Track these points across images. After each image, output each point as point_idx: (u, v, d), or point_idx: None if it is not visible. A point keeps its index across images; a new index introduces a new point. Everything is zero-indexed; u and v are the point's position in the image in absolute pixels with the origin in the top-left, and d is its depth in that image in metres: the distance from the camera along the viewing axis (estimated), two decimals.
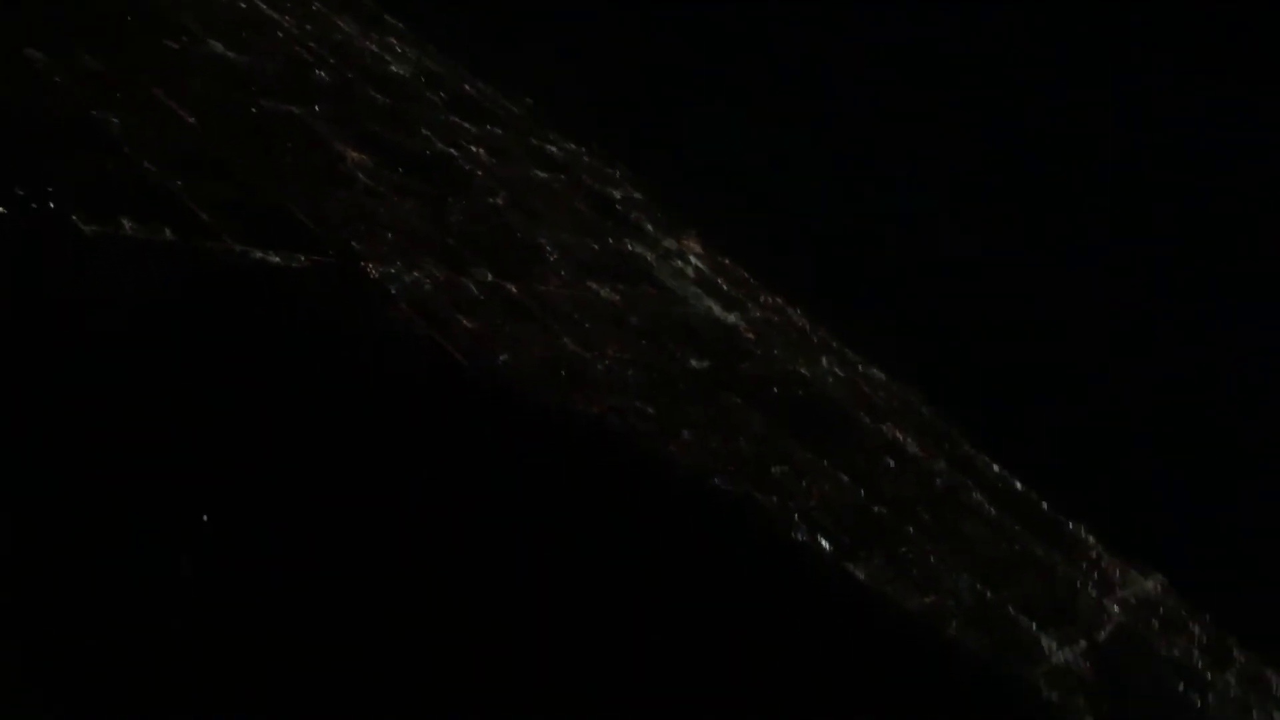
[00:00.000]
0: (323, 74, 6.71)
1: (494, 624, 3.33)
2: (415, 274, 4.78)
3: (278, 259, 4.15)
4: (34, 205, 3.45)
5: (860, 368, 7.67)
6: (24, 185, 3.55)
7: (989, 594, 5.29)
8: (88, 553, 2.57)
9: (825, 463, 5.52)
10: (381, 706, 2.58)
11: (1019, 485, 7.11)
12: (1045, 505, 7.05)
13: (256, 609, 2.71)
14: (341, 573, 2.97)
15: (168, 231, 3.87)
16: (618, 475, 4.42)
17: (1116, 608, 6.24)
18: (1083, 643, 5.37)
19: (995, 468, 7.21)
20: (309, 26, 7.57)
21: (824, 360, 7.30)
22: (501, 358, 4.58)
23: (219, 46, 6.10)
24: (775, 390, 6.16)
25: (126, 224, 3.75)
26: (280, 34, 7.06)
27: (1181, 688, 5.73)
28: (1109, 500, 7.53)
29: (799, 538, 4.55)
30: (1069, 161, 9.60)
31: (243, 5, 7.17)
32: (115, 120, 4.46)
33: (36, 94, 4.31)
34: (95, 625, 2.39)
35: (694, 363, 5.82)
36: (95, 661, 2.31)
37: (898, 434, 6.71)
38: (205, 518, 2.78)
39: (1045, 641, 5.14)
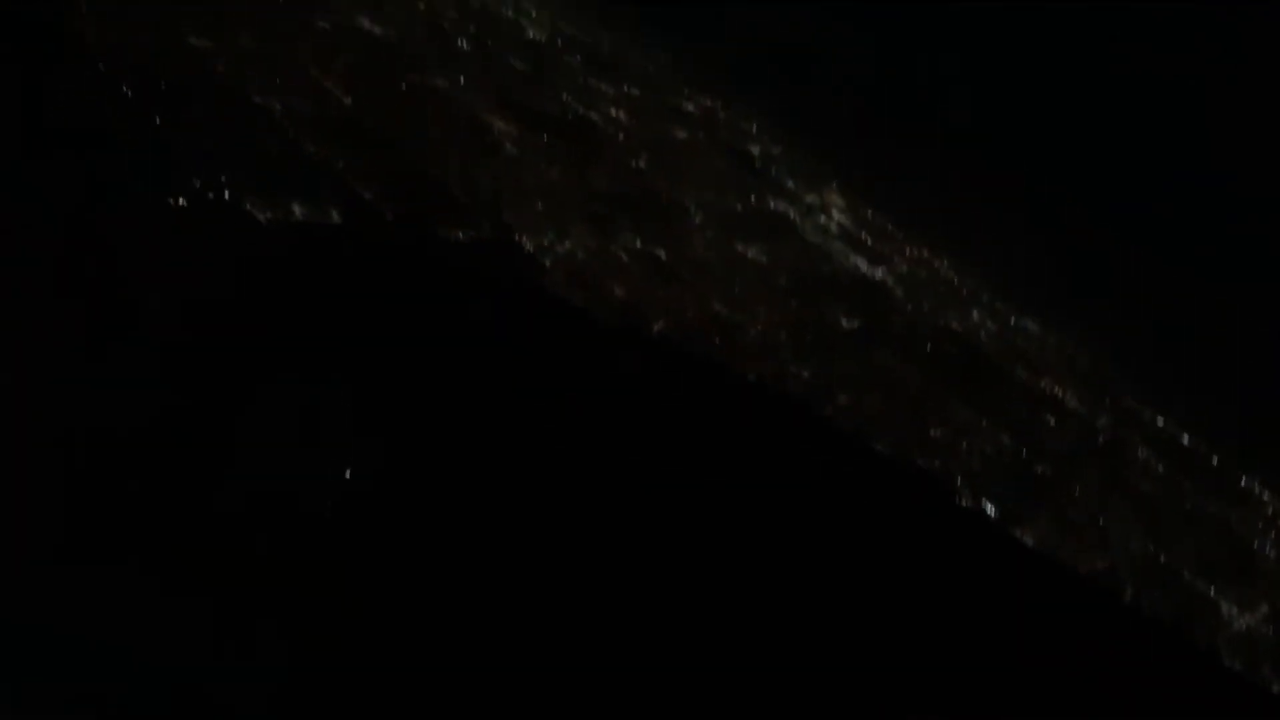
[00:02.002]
0: (464, 43, 6.76)
1: (662, 590, 3.36)
2: (567, 243, 4.80)
3: (440, 235, 4.22)
4: (210, 195, 3.57)
5: (1013, 319, 7.43)
6: (199, 175, 3.67)
7: (1162, 556, 5.10)
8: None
9: (985, 422, 5.38)
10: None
11: (1186, 439, 6.81)
12: (1215, 459, 6.74)
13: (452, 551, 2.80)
14: (516, 532, 3.04)
15: (334, 214, 3.96)
16: (778, 441, 4.38)
17: None
18: (1265, 606, 5.13)
19: (1160, 420, 6.91)
20: None
21: (975, 313, 7.09)
22: (656, 326, 4.57)
23: (365, 21, 6.19)
24: (928, 347, 6.01)
25: (297, 209, 3.86)
26: (421, 5, 7.13)
27: None
28: None
29: (964, 503, 4.45)
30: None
31: None
32: (276, 104, 4.58)
33: (203, 81, 4.45)
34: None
35: (845, 321, 5.72)
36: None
37: (1056, 388, 6.49)
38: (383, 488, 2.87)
39: (1225, 606, 4.93)
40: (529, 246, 4.46)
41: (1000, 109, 9.55)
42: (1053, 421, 5.83)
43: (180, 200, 3.14)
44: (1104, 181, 9.28)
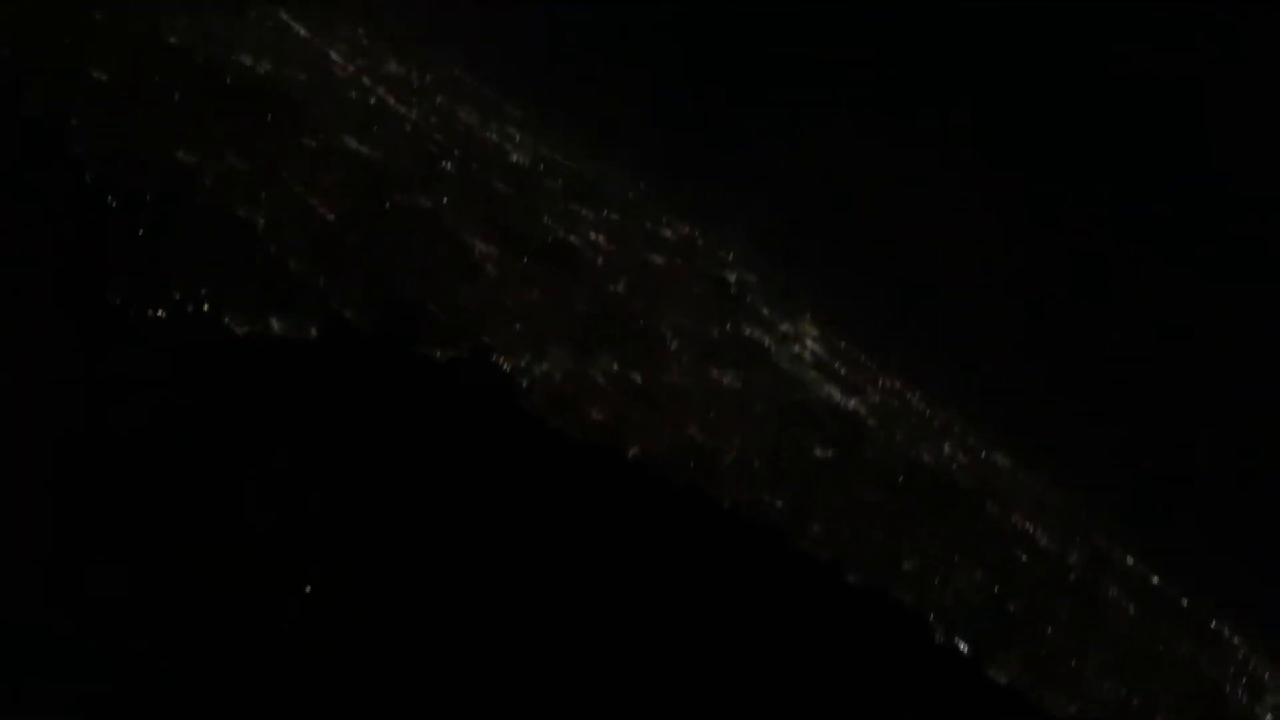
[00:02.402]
0: (448, 165, 6.88)
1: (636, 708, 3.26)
2: (545, 365, 4.81)
3: (418, 354, 4.21)
4: (189, 309, 3.56)
5: (984, 453, 7.47)
6: (179, 287, 3.67)
7: (1135, 699, 5.03)
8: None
9: (957, 557, 5.35)
10: None
11: (1155, 579, 6.80)
12: (1185, 601, 6.72)
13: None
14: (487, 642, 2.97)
15: (313, 330, 3.96)
16: (751, 569, 4.33)
17: (1270, 716, 5.88)
18: None
19: (1129, 560, 6.91)
20: (434, 119, 7.79)
21: (947, 446, 7.13)
22: (632, 451, 4.55)
23: (352, 142, 6.31)
24: (901, 478, 6.02)
25: (275, 323, 3.85)
26: (408, 127, 7.28)
27: None
28: (1254, 594, 7.14)
29: (938, 639, 4.39)
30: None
31: (372, 100, 7.41)
32: (261, 219, 4.61)
33: (189, 194, 4.48)
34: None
35: (819, 451, 5.72)
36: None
37: (1028, 524, 6.49)
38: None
39: None
40: (507, 367, 4.46)
41: (972, 251, 9.80)
42: (1024, 558, 5.82)
43: (159, 312, 3.13)
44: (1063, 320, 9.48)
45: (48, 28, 5.36)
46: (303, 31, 7.97)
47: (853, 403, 6.94)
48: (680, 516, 4.44)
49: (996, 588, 5.22)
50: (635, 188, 9.27)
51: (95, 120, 4.56)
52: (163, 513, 2.82)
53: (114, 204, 3.89)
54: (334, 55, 7.84)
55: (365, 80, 7.76)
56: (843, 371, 7.45)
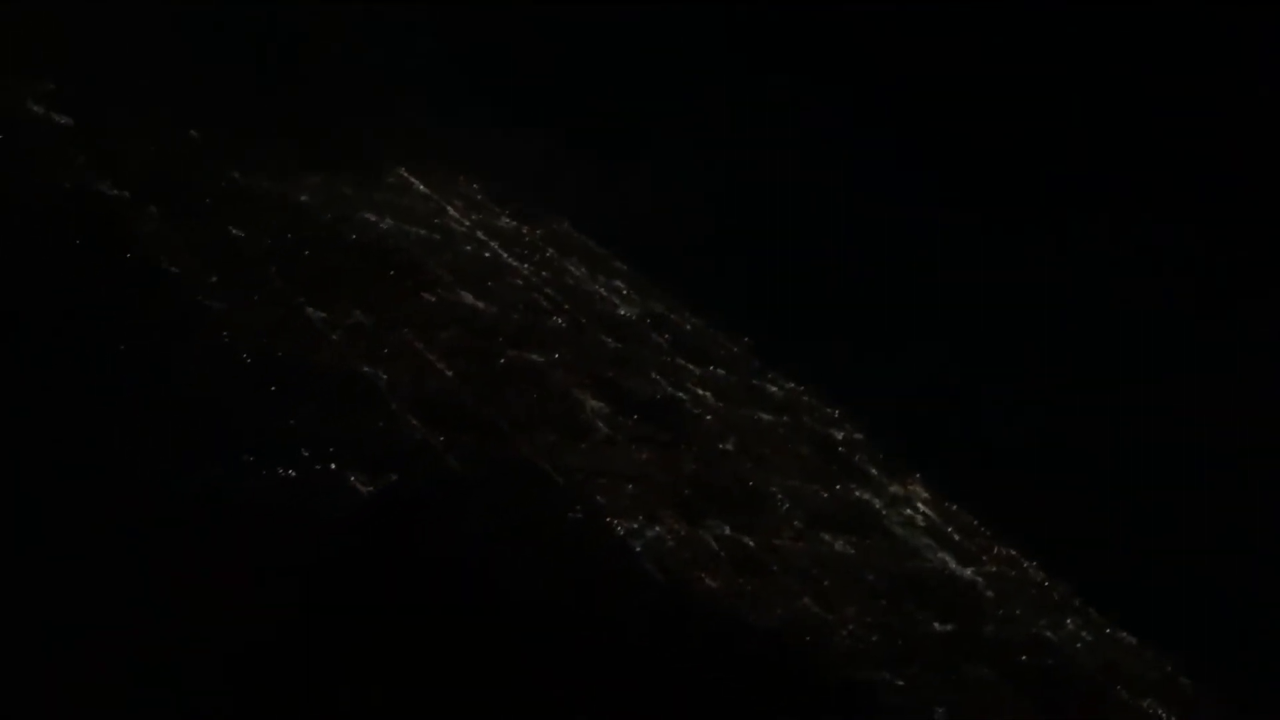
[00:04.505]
0: (559, 320, 6.96)
1: None
2: (656, 529, 4.72)
3: (530, 515, 4.16)
4: (317, 466, 3.58)
5: (1109, 630, 7.07)
6: (307, 445, 3.69)
7: None
8: None
9: None
10: None
11: None
12: None
13: None
14: None
15: (431, 489, 3.94)
16: None
17: None
18: None
19: None
20: (545, 273, 7.94)
21: (1069, 622, 6.76)
22: (747, 620, 4.39)
23: (468, 296, 6.43)
24: (1024, 659, 5.69)
25: (394, 479, 3.85)
26: (520, 281, 7.41)
27: None
28: None
29: None
30: None
31: (486, 255, 7.60)
32: (383, 375, 4.68)
33: (316, 351, 4.57)
34: None
35: (936, 625, 5.47)
36: None
37: (1160, 712, 6.07)
38: None
39: None
40: (620, 530, 4.38)
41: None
42: None
43: (290, 471, 3.14)
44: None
45: (190, 185, 5.64)
46: (421, 187, 8.28)
47: (968, 572, 6.66)
48: (796, 694, 4.24)
49: None
50: (740, 342, 9.27)
51: (230, 276, 4.73)
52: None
53: (248, 360, 3.98)
54: (450, 210, 8.11)
55: (480, 235, 7.98)
56: (956, 538, 7.19)
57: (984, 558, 7.09)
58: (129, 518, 2.95)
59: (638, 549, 4.36)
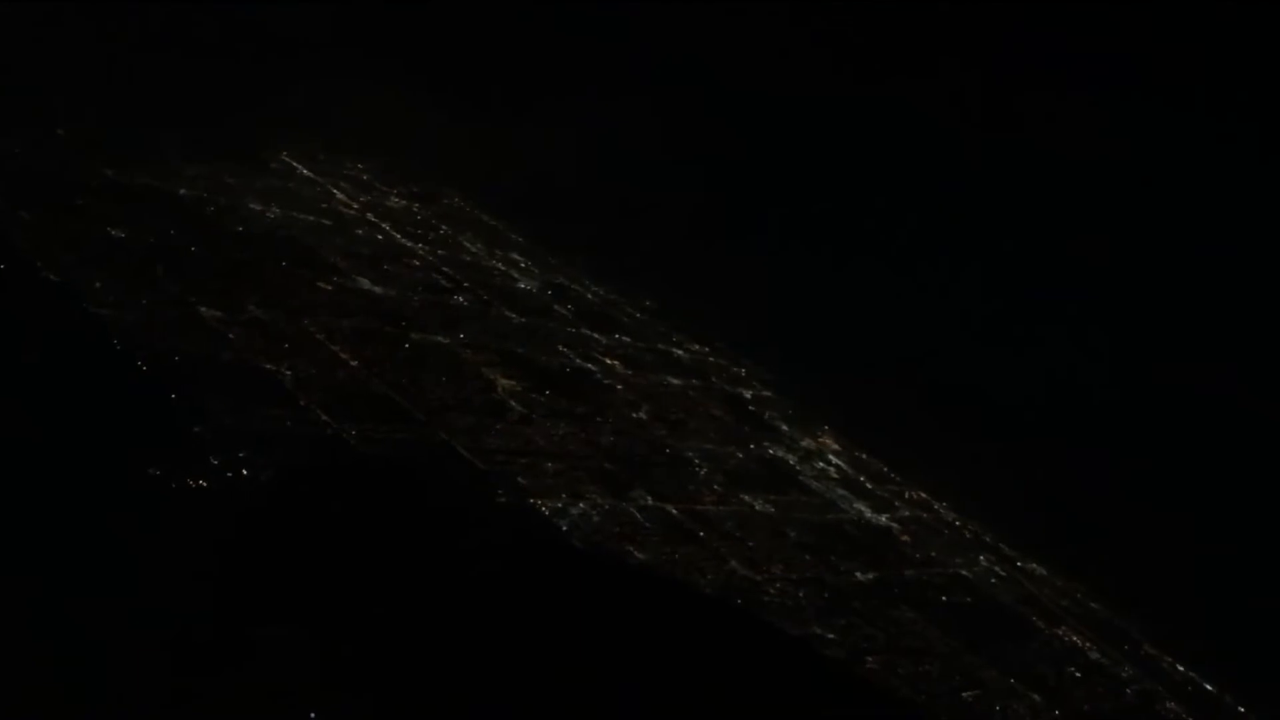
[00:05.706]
0: (460, 299, 6.83)
1: None
2: (581, 505, 4.67)
3: (452, 505, 4.08)
4: (229, 475, 3.43)
5: (1019, 563, 7.29)
6: (215, 451, 3.54)
7: None
8: None
9: (1013, 681, 5.15)
10: None
11: (1209, 687, 6.58)
12: (1242, 710, 6.49)
13: None
14: None
15: (349, 483, 3.83)
16: (816, 710, 4.14)
17: None
18: None
19: (1180, 667, 6.69)
20: (441, 251, 7.78)
21: (982, 559, 6.95)
22: (678, 590, 4.39)
23: (366, 282, 6.26)
24: (944, 599, 5.83)
25: (310, 477, 3.73)
26: (416, 262, 7.25)
27: None
28: None
29: None
30: None
31: (379, 237, 7.41)
32: (287, 371, 4.52)
33: (215, 350, 4.39)
34: None
35: (859, 575, 5.56)
36: None
37: (1075, 638, 6.28)
38: None
39: None
40: (546, 510, 4.33)
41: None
42: (1078, 675, 5.61)
43: (201, 482, 3.01)
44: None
45: (61, 189, 5.35)
46: (306, 171, 8.03)
47: (884, 519, 6.79)
48: (733, 655, 4.26)
49: (1058, 712, 5.00)
50: (642, 306, 9.25)
51: (116, 279, 4.50)
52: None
53: (144, 368, 3.79)
54: (338, 194, 7.89)
55: (371, 217, 7.78)
56: (869, 486, 7.32)
57: (896, 503, 7.23)
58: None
59: (564, 528, 4.31)
